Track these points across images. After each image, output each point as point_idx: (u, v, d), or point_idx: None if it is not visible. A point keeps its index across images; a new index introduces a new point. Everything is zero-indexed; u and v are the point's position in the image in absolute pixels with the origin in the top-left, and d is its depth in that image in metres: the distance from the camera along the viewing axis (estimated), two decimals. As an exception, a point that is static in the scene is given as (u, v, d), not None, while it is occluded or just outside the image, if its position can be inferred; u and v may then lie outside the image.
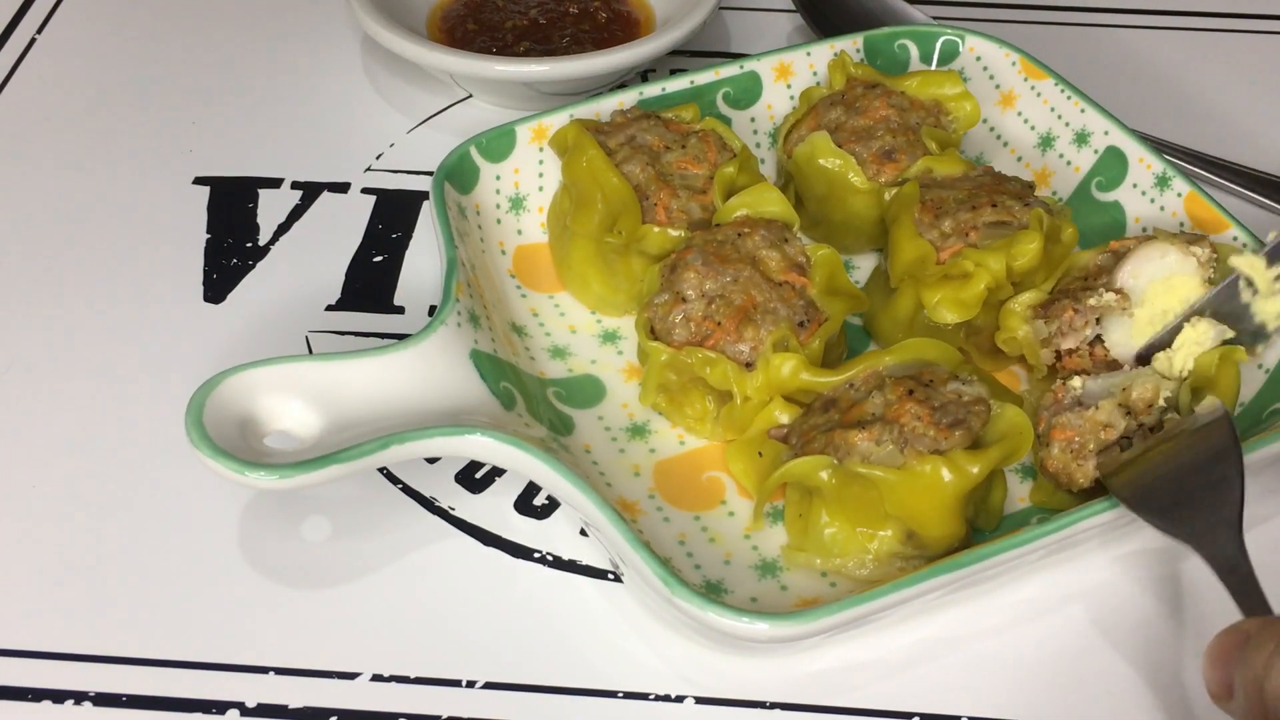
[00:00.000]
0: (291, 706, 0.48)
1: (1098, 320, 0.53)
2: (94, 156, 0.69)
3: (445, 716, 0.48)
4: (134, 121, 0.72)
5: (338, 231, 0.66)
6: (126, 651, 0.49)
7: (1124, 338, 0.53)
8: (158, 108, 0.73)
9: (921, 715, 0.48)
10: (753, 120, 0.66)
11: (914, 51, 0.68)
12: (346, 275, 0.64)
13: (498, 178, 0.62)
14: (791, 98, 0.67)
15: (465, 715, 0.48)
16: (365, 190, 0.69)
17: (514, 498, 0.54)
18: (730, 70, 0.65)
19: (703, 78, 0.65)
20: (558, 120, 0.62)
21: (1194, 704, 0.48)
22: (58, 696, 0.48)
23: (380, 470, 0.55)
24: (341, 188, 0.69)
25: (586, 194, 0.58)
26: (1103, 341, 0.53)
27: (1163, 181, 0.60)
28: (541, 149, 0.62)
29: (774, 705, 0.48)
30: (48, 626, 0.50)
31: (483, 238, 0.61)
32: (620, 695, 0.48)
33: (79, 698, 0.48)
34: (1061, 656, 0.49)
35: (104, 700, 0.48)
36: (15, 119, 0.72)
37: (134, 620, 0.50)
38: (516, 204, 0.62)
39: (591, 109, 0.63)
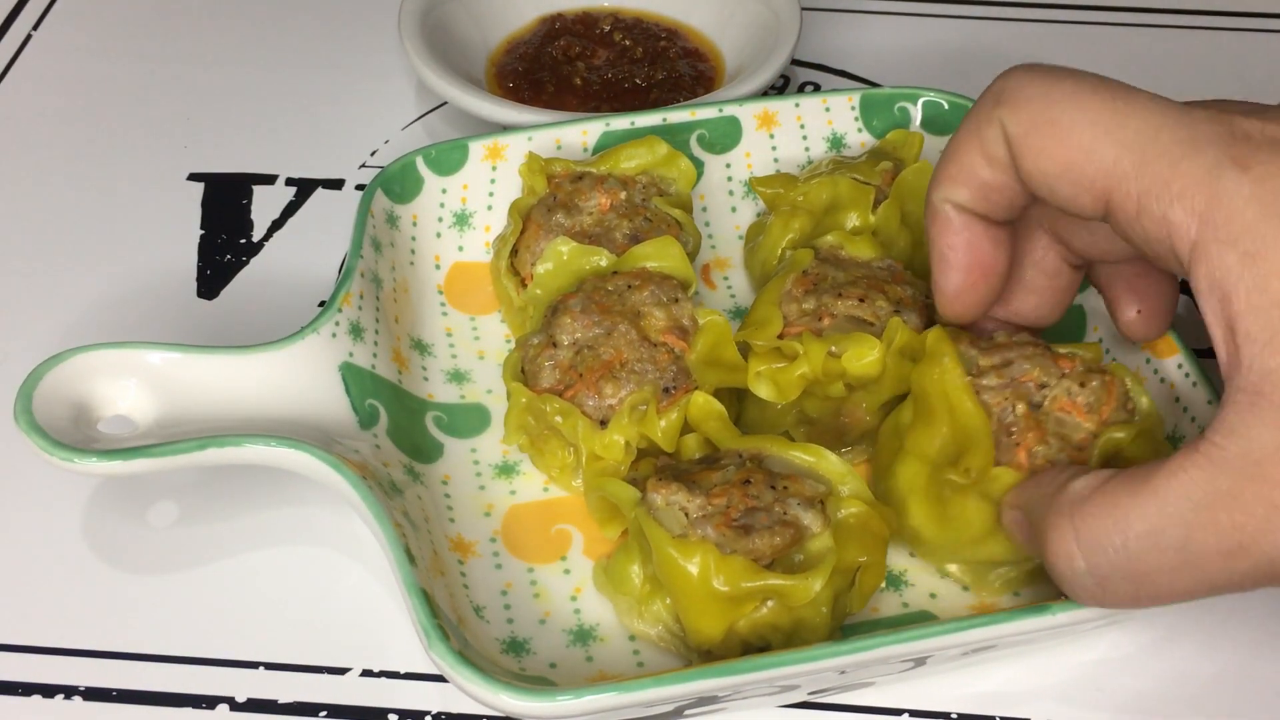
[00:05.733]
0: (281, 701, 0.49)
1: None
2: (89, 152, 0.71)
3: (435, 711, 0.48)
4: (129, 118, 0.73)
5: (332, 228, 0.67)
6: (116, 646, 0.50)
7: None
8: (153, 104, 0.74)
9: (911, 712, 0.48)
10: (728, 166, 0.64)
11: (915, 115, 0.64)
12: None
13: (444, 191, 0.61)
14: (774, 148, 0.64)
15: (455, 711, 0.48)
16: (359, 186, 0.69)
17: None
18: (707, 113, 0.63)
19: (676, 116, 0.62)
20: (514, 142, 0.61)
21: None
22: (48, 691, 0.49)
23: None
24: (336, 184, 0.69)
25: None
26: None
27: (1124, 291, 0.55)
28: (495, 168, 0.61)
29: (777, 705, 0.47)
30: (37, 621, 0.51)
31: (414, 249, 0.60)
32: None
33: (69, 692, 0.49)
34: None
35: (94, 695, 0.49)
36: (10, 115, 0.73)
37: (123, 615, 0.51)
38: (462, 220, 0.62)
39: (552, 135, 0.62)
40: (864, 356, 0.49)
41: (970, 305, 0.47)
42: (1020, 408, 0.47)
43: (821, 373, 0.49)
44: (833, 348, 0.50)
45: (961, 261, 0.46)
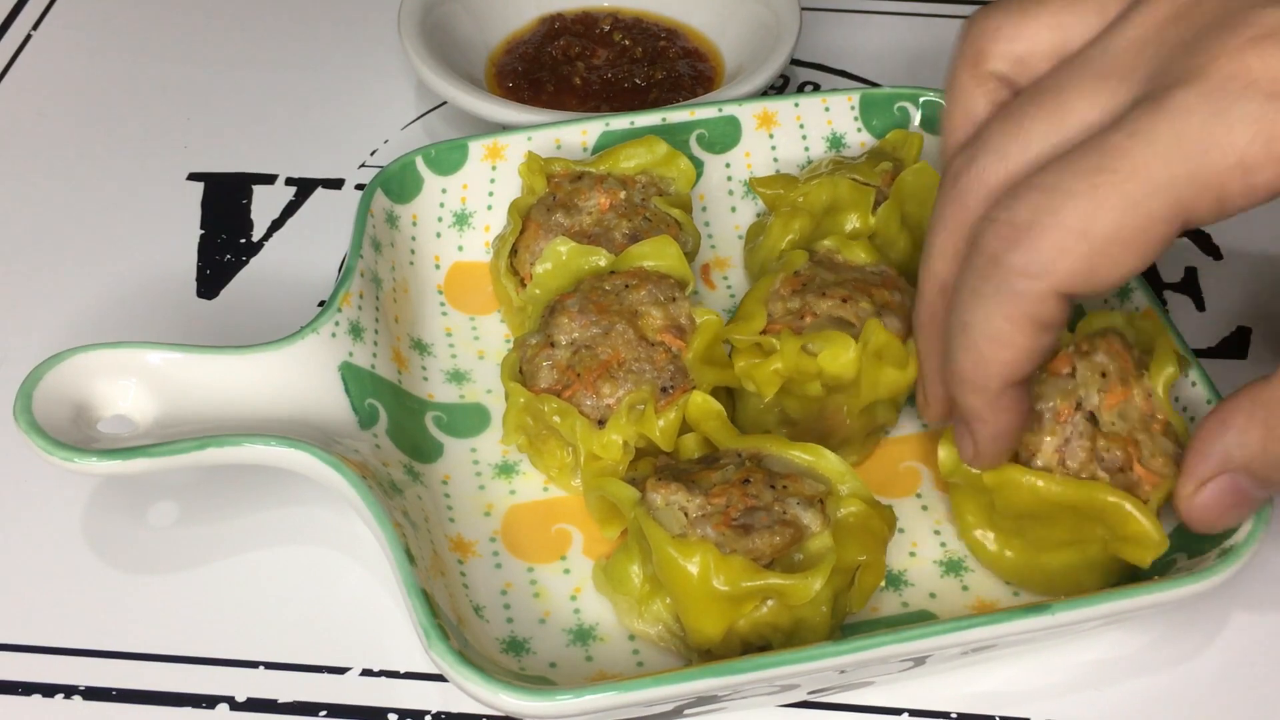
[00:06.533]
0: (281, 701, 0.49)
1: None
2: (89, 152, 0.71)
3: (435, 711, 0.48)
4: (129, 118, 0.73)
5: (332, 228, 0.67)
6: (116, 646, 0.50)
7: None
8: (153, 104, 0.74)
9: (911, 712, 0.48)
10: (728, 166, 0.64)
11: (915, 115, 0.64)
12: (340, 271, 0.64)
13: (444, 190, 0.61)
14: (774, 148, 0.64)
15: (455, 710, 0.48)
16: (359, 186, 0.69)
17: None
18: (707, 112, 0.63)
19: (676, 116, 0.62)
20: (514, 141, 0.61)
21: None
22: (48, 691, 0.49)
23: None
24: (336, 184, 0.69)
25: None
26: None
27: (1124, 292, 0.55)
28: (494, 167, 0.61)
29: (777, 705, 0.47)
30: (37, 621, 0.51)
31: (414, 249, 0.60)
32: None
33: (69, 691, 0.49)
34: None
35: (94, 694, 0.49)
36: (11, 115, 0.73)
37: (123, 615, 0.51)
38: (461, 219, 0.62)
39: (552, 135, 0.62)
40: (839, 356, 0.50)
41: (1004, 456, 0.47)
42: (1102, 444, 0.46)
43: (796, 369, 0.49)
44: (809, 345, 0.50)
45: (1016, 428, 0.45)
